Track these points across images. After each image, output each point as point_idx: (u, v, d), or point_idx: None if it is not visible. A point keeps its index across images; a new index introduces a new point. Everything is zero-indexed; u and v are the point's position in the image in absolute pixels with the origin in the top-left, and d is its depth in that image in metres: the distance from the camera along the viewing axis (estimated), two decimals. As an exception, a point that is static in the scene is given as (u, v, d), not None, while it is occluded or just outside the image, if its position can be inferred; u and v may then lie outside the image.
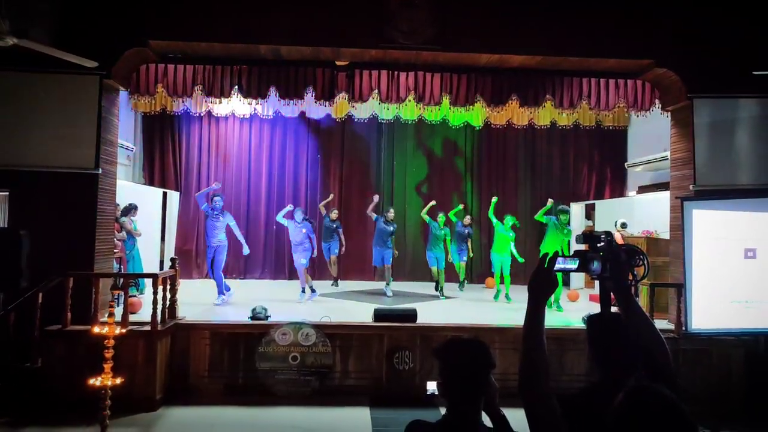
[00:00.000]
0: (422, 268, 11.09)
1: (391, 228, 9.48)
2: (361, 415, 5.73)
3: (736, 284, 6.04)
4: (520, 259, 9.22)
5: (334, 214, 10.15)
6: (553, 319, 7.11)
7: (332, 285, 10.25)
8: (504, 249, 9.13)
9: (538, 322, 1.61)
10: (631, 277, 1.70)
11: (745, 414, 6.03)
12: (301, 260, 8.63)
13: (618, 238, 8.23)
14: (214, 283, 8.23)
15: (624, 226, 9.03)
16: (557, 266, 1.66)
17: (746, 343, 6.28)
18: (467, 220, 10.46)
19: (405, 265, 11.65)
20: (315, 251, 8.99)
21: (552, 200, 8.86)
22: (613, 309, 1.79)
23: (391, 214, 9.60)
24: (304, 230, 8.66)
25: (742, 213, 6.18)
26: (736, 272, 6.06)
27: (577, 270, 1.72)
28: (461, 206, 10.56)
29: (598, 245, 1.75)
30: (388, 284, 9.50)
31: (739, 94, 6.79)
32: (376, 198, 9.79)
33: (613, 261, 1.68)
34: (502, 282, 9.11)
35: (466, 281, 10.63)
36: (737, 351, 6.28)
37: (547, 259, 1.65)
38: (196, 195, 8.91)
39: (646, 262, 1.78)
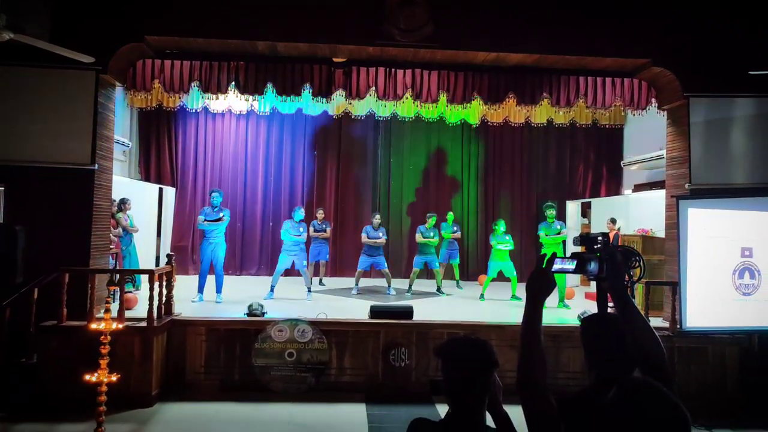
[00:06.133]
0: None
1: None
2: (357, 411, 5.75)
3: (729, 282, 6.10)
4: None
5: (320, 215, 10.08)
6: (548, 316, 7.13)
7: (320, 284, 10.27)
8: (500, 257, 9.07)
9: (536, 322, 1.63)
10: (627, 278, 1.71)
11: (739, 411, 6.06)
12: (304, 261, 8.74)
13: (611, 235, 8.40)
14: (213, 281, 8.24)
15: (613, 221, 9.56)
16: (555, 267, 1.67)
17: (740, 340, 6.33)
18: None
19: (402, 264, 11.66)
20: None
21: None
22: (610, 309, 1.81)
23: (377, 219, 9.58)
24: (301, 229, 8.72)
25: (737, 212, 6.22)
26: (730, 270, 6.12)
27: (574, 271, 1.73)
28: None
29: (595, 247, 1.76)
30: (389, 285, 9.52)
31: (735, 94, 6.81)
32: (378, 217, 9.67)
33: (609, 262, 1.69)
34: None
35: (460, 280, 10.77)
36: (731, 348, 6.32)
37: (545, 259, 1.67)
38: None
39: (642, 263, 1.80)
